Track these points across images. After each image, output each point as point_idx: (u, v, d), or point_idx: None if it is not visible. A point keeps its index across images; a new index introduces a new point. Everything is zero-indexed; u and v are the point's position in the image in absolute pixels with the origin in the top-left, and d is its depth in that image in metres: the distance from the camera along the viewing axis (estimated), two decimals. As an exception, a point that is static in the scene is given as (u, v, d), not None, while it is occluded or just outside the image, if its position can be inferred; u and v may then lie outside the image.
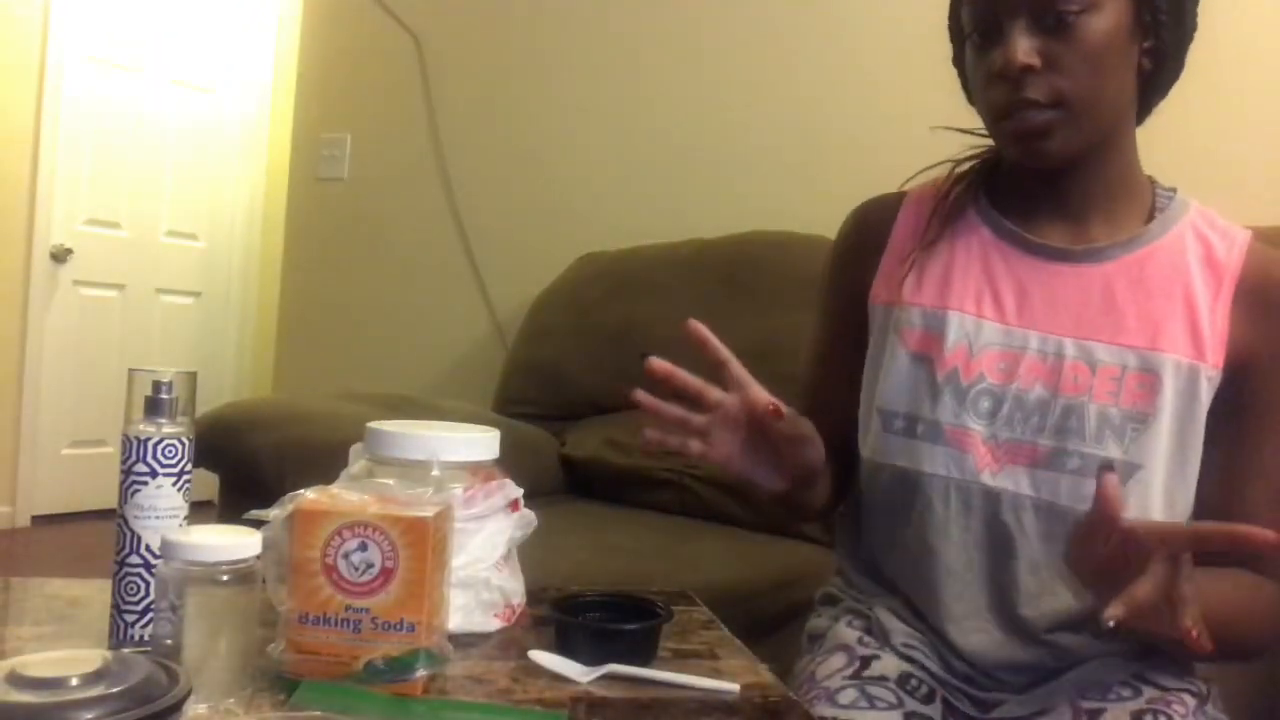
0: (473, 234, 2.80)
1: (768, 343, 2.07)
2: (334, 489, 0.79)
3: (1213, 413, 0.89)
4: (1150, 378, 0.88)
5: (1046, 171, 0.93)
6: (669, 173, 2.55)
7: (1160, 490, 0.87)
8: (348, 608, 0.72)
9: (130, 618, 0.81)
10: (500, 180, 2.78)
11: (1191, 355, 0.88)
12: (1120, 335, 0.90)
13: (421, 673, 0.73)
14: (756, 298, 2.13)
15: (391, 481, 0.81)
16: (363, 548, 0.72)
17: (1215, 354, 0.88)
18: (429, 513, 0.74)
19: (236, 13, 4.64)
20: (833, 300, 1.07)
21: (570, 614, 0.88)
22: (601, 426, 2.21)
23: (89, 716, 0.52)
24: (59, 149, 4.03)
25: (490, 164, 2.79)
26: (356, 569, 0.72)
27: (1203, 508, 0.89)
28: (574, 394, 2.34)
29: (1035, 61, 0.85)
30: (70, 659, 0.56)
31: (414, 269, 2.90)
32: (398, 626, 0.72)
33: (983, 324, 0.93)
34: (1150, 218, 0.93)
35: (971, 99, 0.96)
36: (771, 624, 1.32)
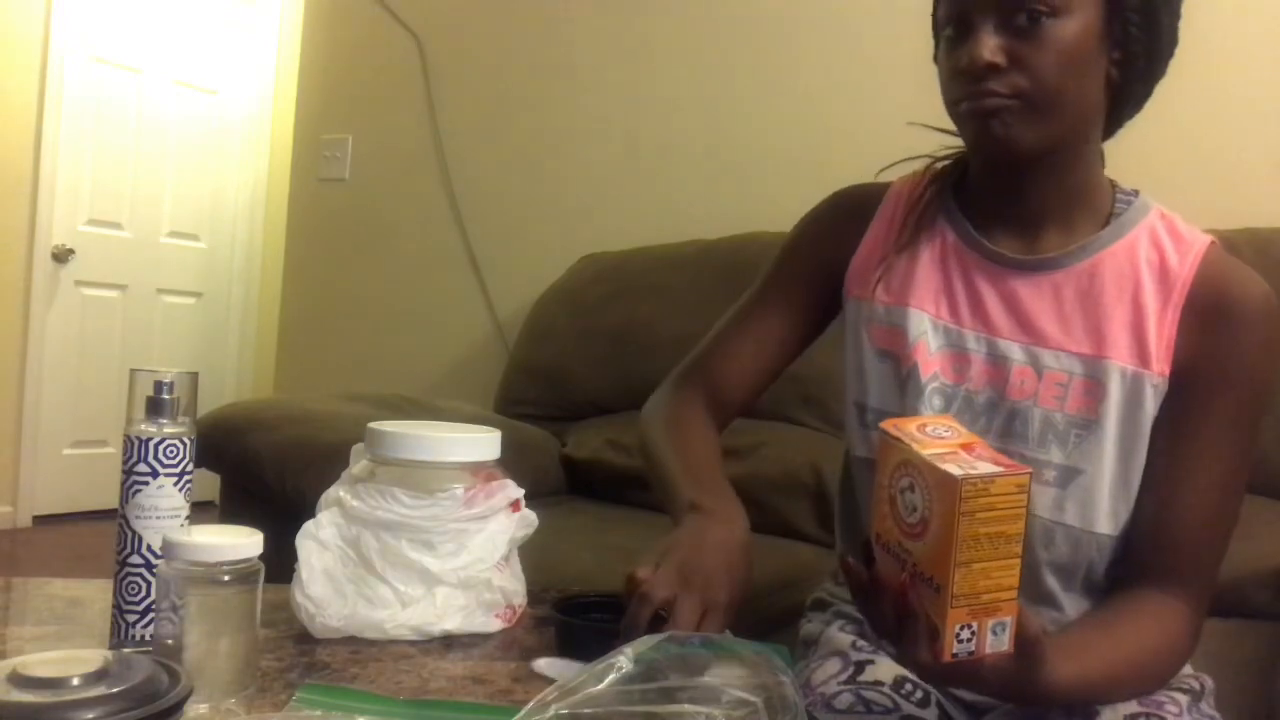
0: (474, 235, 2.81)
1: (769, 343, 2.09)
2: (935, 421, 0.72)
3: (1156, 421, 0.89)
4: (1095, 385, 0.89)
5: (1006, 174, 0.94)
6: (670, 173, 2.55)
7: (1106, 496, 0.88)
8: (900, 544, 0.68)
9: (131, 618, 0.81)
10: (501, 181, 2.78)
11: (1136, 363, 0.89)
12: (1067, 343, 0.91)
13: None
14: (757, 298, 2.13)
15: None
16: (910, 489, 0.67)
17: (1161, 362, 0.89)
18: (958, 472, 0.64)
19: (238, 13, 4.64)
20: (792, 264, 1.09)
21: (571, 614, 0.88)
22: (602, 427, 2.21)
23: (90, 716, 0.52)
24: (60, 149, 4.03)
25: (491, 164, 2.80)
26: (907, 509, 0.68)
27: (1139, 516, 0.89)
28: (575, 394, 2.34)
29: (1000, 60, 0.86)
30: (71, 659, 0.56)
31: (415, 270, 2.90)
32: (929, 583, 0.66)
33: (939, 324, 0.96)
34: (1106, 224, 0.94)
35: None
36: (771, 624, 1.32)
